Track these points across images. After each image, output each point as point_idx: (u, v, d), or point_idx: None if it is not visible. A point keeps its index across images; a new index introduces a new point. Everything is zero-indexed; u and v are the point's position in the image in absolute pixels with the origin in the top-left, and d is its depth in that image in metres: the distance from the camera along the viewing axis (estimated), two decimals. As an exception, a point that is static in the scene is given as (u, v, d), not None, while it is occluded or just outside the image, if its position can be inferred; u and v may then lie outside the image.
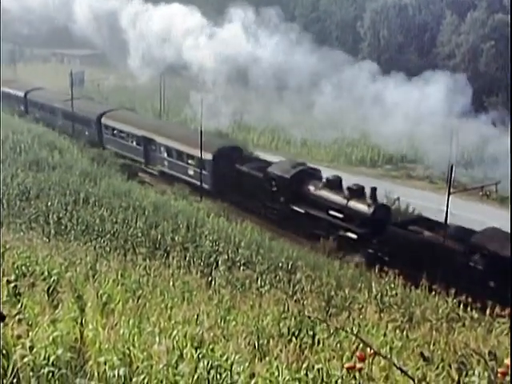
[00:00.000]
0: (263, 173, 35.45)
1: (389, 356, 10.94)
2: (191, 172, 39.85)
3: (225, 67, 41.50)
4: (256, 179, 35.56)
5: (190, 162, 39.92)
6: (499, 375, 4.41)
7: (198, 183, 38.26)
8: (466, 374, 9.68)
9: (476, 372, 8.34)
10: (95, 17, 48.66)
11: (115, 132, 47.32)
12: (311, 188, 33.30)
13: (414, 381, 4.54)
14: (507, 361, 4.51)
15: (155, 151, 43.21)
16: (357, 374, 8.07)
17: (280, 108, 41.85)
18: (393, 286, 23.74)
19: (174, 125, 52.23)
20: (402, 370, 4.60)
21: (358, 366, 4.43)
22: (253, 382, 8.40)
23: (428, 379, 9.08)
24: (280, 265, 24.94)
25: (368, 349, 4.65)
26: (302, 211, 32.78)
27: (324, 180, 33.29)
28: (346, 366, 4.55)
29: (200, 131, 37.87)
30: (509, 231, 25.18)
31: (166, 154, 42.20)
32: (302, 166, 35.26)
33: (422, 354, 10.09)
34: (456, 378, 9.49)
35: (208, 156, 38.26)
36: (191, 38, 43.58)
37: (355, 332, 13.18)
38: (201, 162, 38.05)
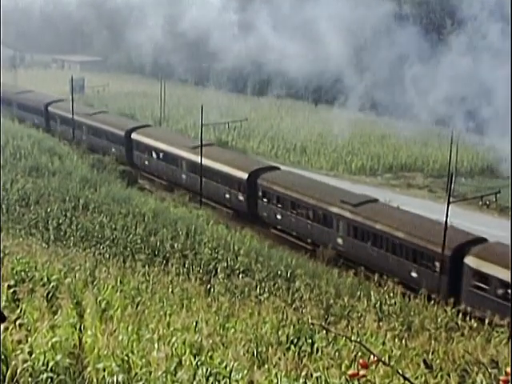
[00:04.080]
0: None
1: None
2: None
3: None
4: None
5: None
6: (501, 383, 4.40)
7: None
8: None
9: (478, 380, 8.34)
10: (98, 18, 48.17)
11: None
12: None
13: (415, 389, 4.53)
14: (508, 369, 4.50)
15: None
16: (356, 383, 8.07)
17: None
18: (392, 294, 23.73)
19: None
20: (404, 378, 4.59)
21: (362, 373, 4.42)
22: (252, 389, 8.39)
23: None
24: (279, 273, 24.90)
25: (370, 356, 4.64)
26: None
27: None
28: (350, 373, 4.52)
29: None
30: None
31: None
32: None
33: (424, 362, 10.08)
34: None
35: None
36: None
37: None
38: None
